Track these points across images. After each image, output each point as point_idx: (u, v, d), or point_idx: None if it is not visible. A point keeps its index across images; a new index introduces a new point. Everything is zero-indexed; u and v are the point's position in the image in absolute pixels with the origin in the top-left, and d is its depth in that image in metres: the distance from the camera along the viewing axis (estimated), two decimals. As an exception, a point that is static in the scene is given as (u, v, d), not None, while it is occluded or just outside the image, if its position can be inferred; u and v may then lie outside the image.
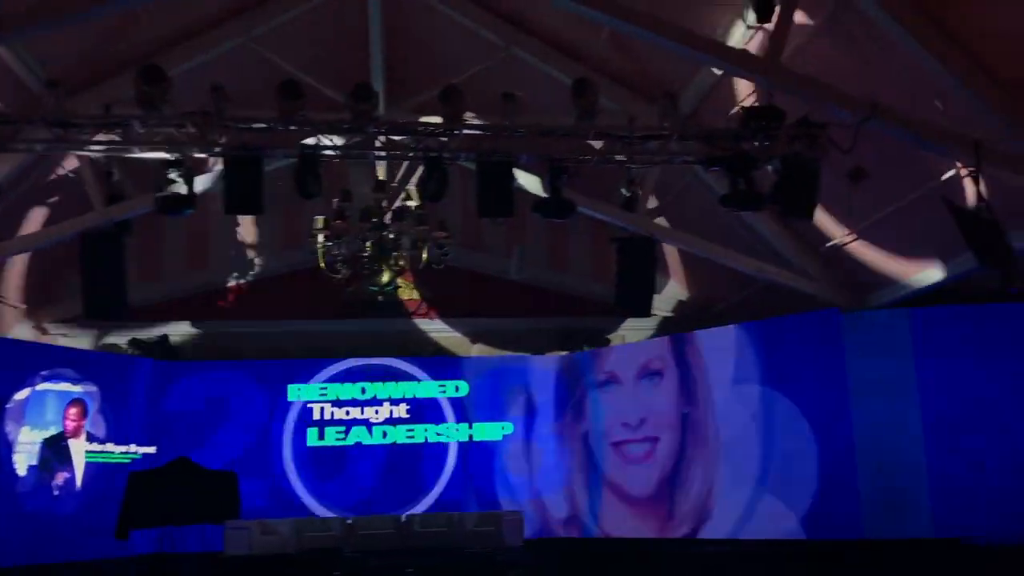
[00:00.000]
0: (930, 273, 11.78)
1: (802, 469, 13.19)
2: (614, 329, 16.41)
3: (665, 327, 15.96)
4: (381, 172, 13.41)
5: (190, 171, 8.55)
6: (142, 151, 8.62)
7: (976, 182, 8.52)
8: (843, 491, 12.70)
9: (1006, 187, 8.88)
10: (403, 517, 15.09)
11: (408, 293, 13.97)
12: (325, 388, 16.22)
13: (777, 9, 8.67)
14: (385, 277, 12.69)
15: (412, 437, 16.25)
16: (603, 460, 15.77)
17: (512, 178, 8.48)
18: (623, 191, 10.40)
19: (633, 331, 16.10)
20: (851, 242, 12.62)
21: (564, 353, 16.61)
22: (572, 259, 16.97)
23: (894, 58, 9.19)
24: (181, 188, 8.45)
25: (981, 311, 12.45)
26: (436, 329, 16.64)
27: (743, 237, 13.58)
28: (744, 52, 9.23)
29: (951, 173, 9.85)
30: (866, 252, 12.61)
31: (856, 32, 9.32)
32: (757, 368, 13.99)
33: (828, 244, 12.96)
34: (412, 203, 12.03)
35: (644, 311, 13.12)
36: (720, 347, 14.53)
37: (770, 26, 8.71)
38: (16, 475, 13.39)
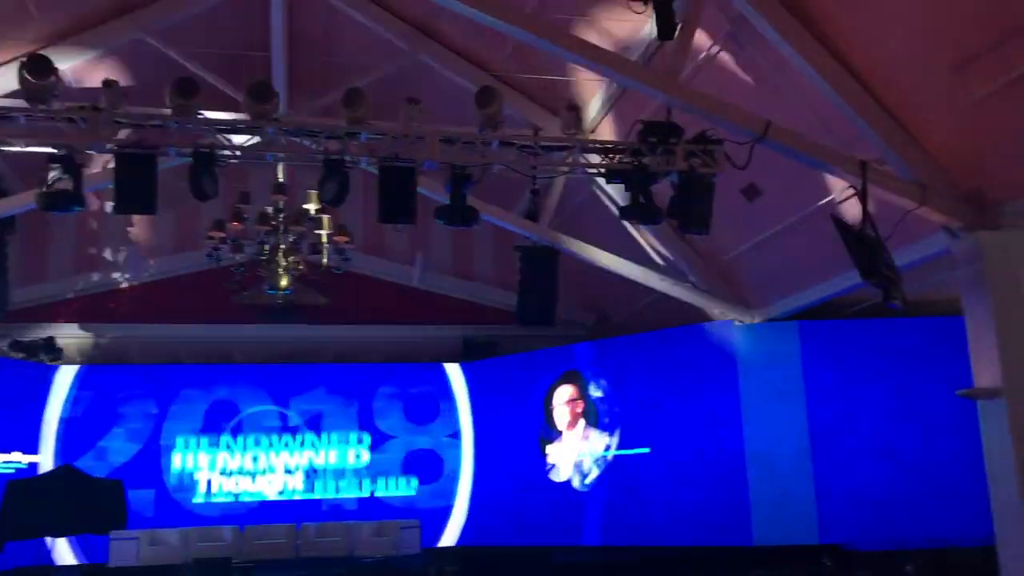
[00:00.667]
0: (820, 287, 12.20)
1: (695, 476, 13.52)
2: (517, 338, 16.45)
3: (568, 336, 16.10)
4: (281, 174, 13.16)
5: (78, 168, 8.19)
6: (27, 145, 8.23)
7: (861, 201, 8.86)
8: (735, 498, 13.06)
9: (889, 206, 9.26)
10: (297, 527, 14.82)
11: (306, 298, 13.69)
12: (219, 396, 15.82)
13: (678, 27, 8.86)
14: (283, 281, 12.42)
15: (311, 445, 15.98)
16: (511, 468, 15.84)
17: (415, 184, 8.41)
18: (528, 201, 10.48)
19: (536, 339, 16.17)
20: (745, 256, 12.99)
21: (470, 361, 16.62)
22: (476, 268, 16.99)
23: (788, 79, 9.52)
24: (68, 185, 8.08)
25: (866, 325, 13.01)
26: (337, 336, 16.40)
27: (642, 250, 13.83)
28: (644, 67, 9.41)
29: (840, 192, 10.23)
30: (759, 266, 13.00)
31: (753, 53, 9.62)
32: (652, 377, 14.28)
33: (724, 258, 13.31)
34: (312, 206, 11.83)
35: (547, 321, 13.21)
36: (618, 356, 14.79)
37: (672, 43, 8.89)
38: None
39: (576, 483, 15.01)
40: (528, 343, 16.16)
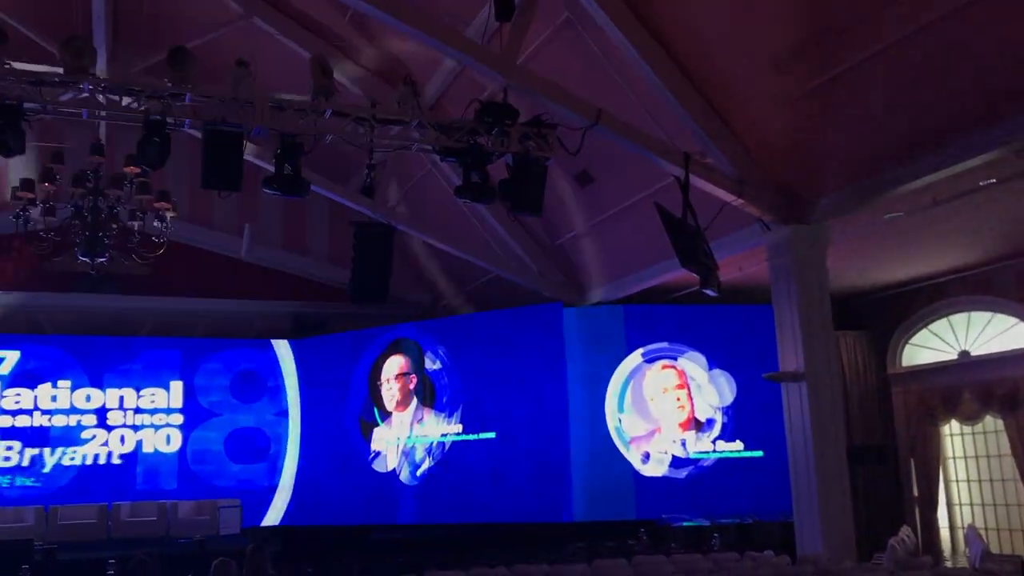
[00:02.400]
0: (646, 273, 12.65)
1: (521, 456, 13.79)
2: (349, 316, 16.20)
3: (401, 315, 16.01)
4: (102, 135, 12.42)
5: None
6: None
7: (682, 191, 9.26)
8: (558, 477, 13.41)
9: (709, 197, 9.72)
10: (108, 506, 14.10)
11: (124, 267, 12.95)
12: (19, 367, 14.81)
13: (516, 10, 8.95)
14: (97, 248, 11.69)
15: (130, 423, 15.22)
16: (336, 449, 15.62)
17: (241, 150, 8.12)
18: (365, 176, 10.33)
19: (368, 317, 15.98)
20: (575, 241, 13.32)
21: (300, 338, 16.25)
22: (309, 242, 16.61)
23: (621, 69, 9.80)
24: None
25: (687, 310, 13.63)
26: (157, 307, 15.67)
27: (478, 230, 13.94)
28: (483, 47, 9.46)
29: (667, 181, 10.64)
30: (589, 251, 13.35)
31: (588, 40, 9.84)
32: (485, 358, 14.43)
33: (555, 242, 13.60)
34: (133, 170, 11.19)
35: (380, 298, 13.08)
36: (452, 336, 14.85)
37: (509, 25, 8.96)
38: None
39: (404, 475, 14.87)
40: (360, 321, 15.96)
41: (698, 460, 13.41)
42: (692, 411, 13.58)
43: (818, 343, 10.01)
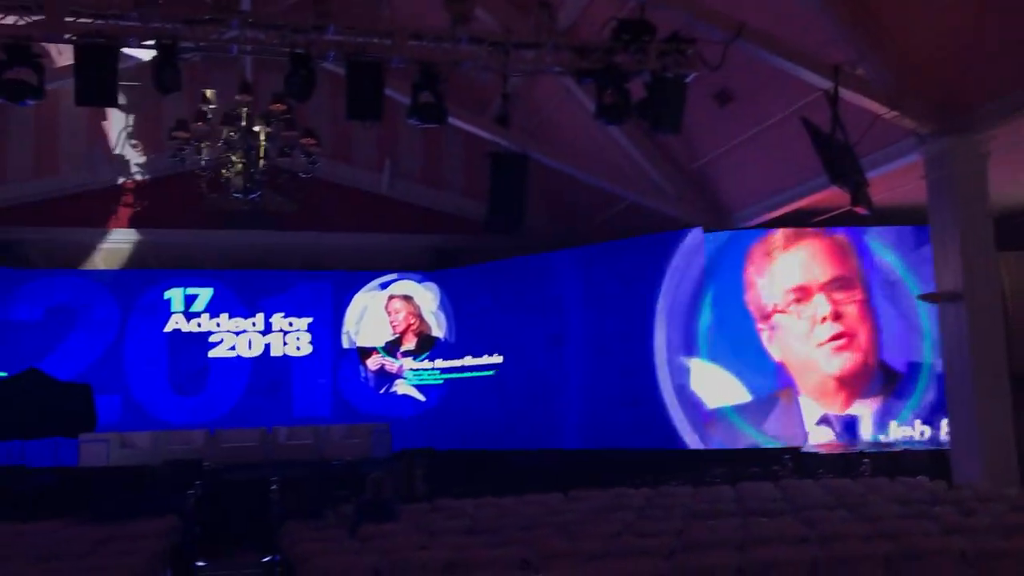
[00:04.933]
0: (790, 193, 12.25)
1: (660, 382, 13.77)
2: (486, 247, 16.40)
3: (534, 245, 16.09)
4: (248, 74, 12.86)
5: (37, 59, 7.95)
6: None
7: (832, 104, 8.86)
8: (697, 404, 13.34)
9: (859, 111, 9.27)
10: (268, 430, 14.95)
11: (273, 203, 13.49)
12: (186, 300, 15.73)
13: (654, -77, 8.68)
14: (249, 185, 12.20)
15: (280, 351, 16.01)
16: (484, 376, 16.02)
17: (382, 80, 8.26)
18: (499, 106, 10.34)
19: (504, 248, 16.14)
20: (715, 162, 12.99)
21: (439, 270, 16.60)
22: (445, 175, 16.83)
23: (764, -22, 9.38)
24: (27, 76, 7.85)
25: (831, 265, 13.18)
26: (305, 242, 16.27)
27: (612, 156, 13.77)
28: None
29: (813, 97, 10.20)
30: (729, 172, 13.01)
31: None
32: (619, 286, 14.37)
33: (694, 165, 13.31)
34: (279, 107, 11.57)
35: (515, 229, 13.18)
36: (584, 265, 14.85)
37: (646, -61, 8.71)
38: None
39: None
40: (497, 252, 16.15)
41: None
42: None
43: (978, 262, 9.51)
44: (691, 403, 13.40)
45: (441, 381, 16.36)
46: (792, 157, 11.12)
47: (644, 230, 14.12)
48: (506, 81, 9.36)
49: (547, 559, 5.39)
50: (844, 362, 13.04)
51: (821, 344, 13.06)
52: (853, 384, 13.04)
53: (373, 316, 16.49)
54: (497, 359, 15.80)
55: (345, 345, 16.30)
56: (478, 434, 15.47)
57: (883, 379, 13.02)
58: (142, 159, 15.46)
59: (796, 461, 12.12)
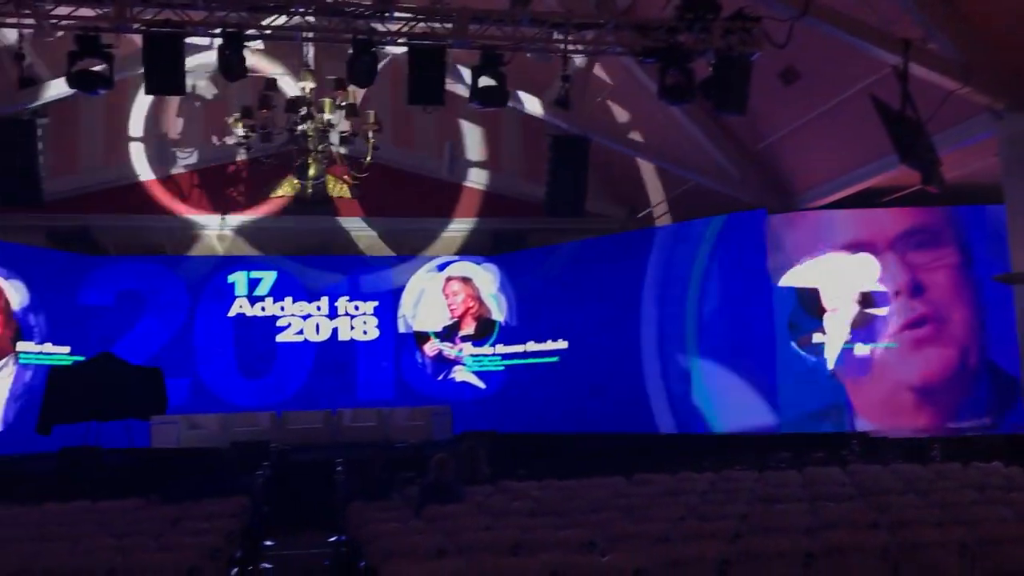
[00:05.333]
0: (859, 173, 11.99)
1: (726, 366, 13.63)
2: (546, 231, 16.38)
3: (594, 228, 16.01)
4: (311, 61, 12.97)
5: (107, 49, 8.16)
6: (56, 26, 8.18)
7: (902, 80, 8.64)
8: (763, 388, 13.17)
9: (930, 87, 9.02)
10: (333, 412, 15.17)
11: (336, 189, 13.63)
12: (249, 284, 16.01)
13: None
14: (312, 171, 12.35)
15: (347, 335, 16.22)
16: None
17: (444, 64, 8.29)
18: (559, 88, 10.29)
19: (565, 231, 16.10)
20: (780, 143, 12.76)
21: (499, 254, 16.62)
22: (505, 159, 16.82)
23: (830, -46, 9.16)
24: (97, 66, 8.06)
25: (905, 213, 12.82)
26: (365, 228, 16.43)
27: (673, 138, 13.62)
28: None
29: (880, 74, 9.96)
30: (795, 153, 12.77)
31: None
32: (682, 269, 14.24)
33: (758, 146, 13.09)
34: (341, 93, 11.67)
35: (576, 212, 13.14)
36: (645, 248, 14.73)
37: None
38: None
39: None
40: (557, 236, 16.12)
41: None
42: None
43: (1057, 242, 9.21)
44: (762, 388, 13.21)
45: (502, 368, 16.40)
46: (860, 136, 10.88)
47: (706, 212, 13.95)
48: (566, 62, 9.31)
49: (612, 541, 5.38)
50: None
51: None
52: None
53: (431, 300, 16.58)
54: (559, 344, 15.77)
55: (402, 329, 16.43)
56: (539, 418, 15.49)
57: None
58: (207, 146, 15.74)
59: (864, 446, 11.90)
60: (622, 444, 13.77)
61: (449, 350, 16.67)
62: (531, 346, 16.10)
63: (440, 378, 16.46)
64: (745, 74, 8.55)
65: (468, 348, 16.67)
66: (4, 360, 14.10)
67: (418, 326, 16.53)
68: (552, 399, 15.62)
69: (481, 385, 16.49)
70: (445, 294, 16.80)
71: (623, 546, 5.29)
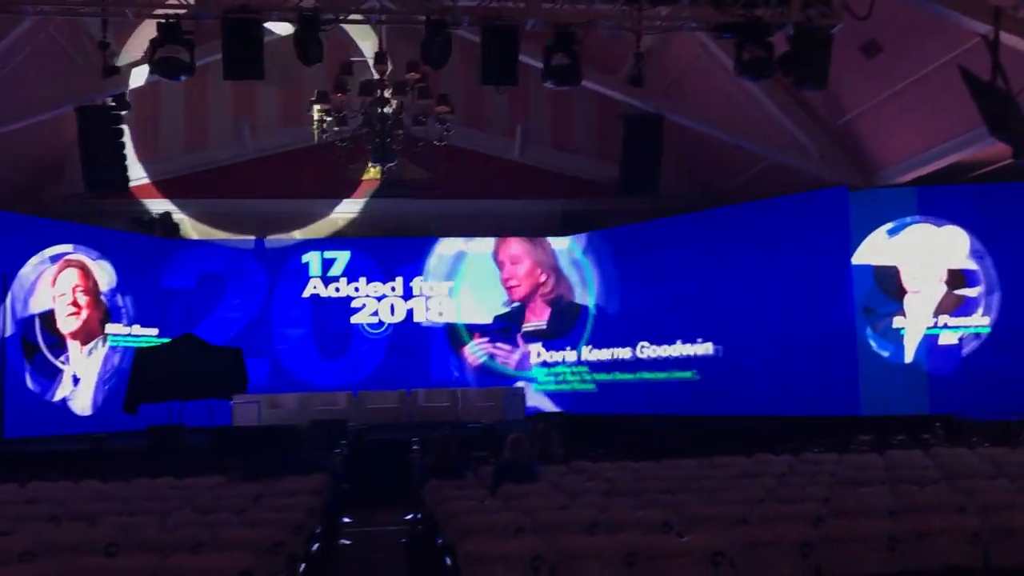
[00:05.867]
0: (944, 149, 11.61)
1: (804, 348, 13.37)
2: (616, 210, 16.25)
3: (668, 208, 15.82)
4: (384, 44, 13.05)
5: (187, 36, 8.34)
6: (138, 15, 8.38)
7: (992, 50, 8.30)
8: (843, 371, 12.89)
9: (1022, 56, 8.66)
10: (407, 392, 15.36)
11: (409, 171, 13.75)
12: (323, 265, 16.28)
13: None
14: (386, 154, 12.44)
15: (421, 316, 16.38)
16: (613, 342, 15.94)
17: (517, 44, 8.25)
18: (632, 66, 10.19)
19: (637, 211, 15.96)
20: (861, 118, 12.41)
21: (575, 235, 16.54)
22: (576, 139, 16.72)
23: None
24: (179, 53, 8.24)
25: (991, 190, 12.35)
26: (435, 209, 16.51)
27: (750, 115, 13.35)
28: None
29: (969, 45, 9.60)
30: (877, 128, 12.40)
31: None
32: (757, 249, 13.98)
33: (838, 121, 12.75)
34: (414, 76, 11.71)
35: (650, 191, 13.01)
36: (721, 228, 14.51)
37: None
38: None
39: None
40: (629, 217, 15.98)
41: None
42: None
43: None
44: (841, 371, 12.92)
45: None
46: (946, 109, 10.52)
47: (784, 191, 13.66)
48: (640, 40, 9.20)
49: (688, 522, 5.33)
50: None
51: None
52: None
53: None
54: (630, 323, 15.66)
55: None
56: (610, 399, 15.45)
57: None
58: (283, 131, 15.99)
59: (947, 429, 11.57)
60: (696, 426, 13.66)
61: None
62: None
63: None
64: (825, 48, 8.32)
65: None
66: (94, 342, 14.61)
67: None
68: (625, 381, 15.55)
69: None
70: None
71: (700, 527, 5.23)
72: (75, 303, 14.38)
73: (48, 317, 14.02)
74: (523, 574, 4.41)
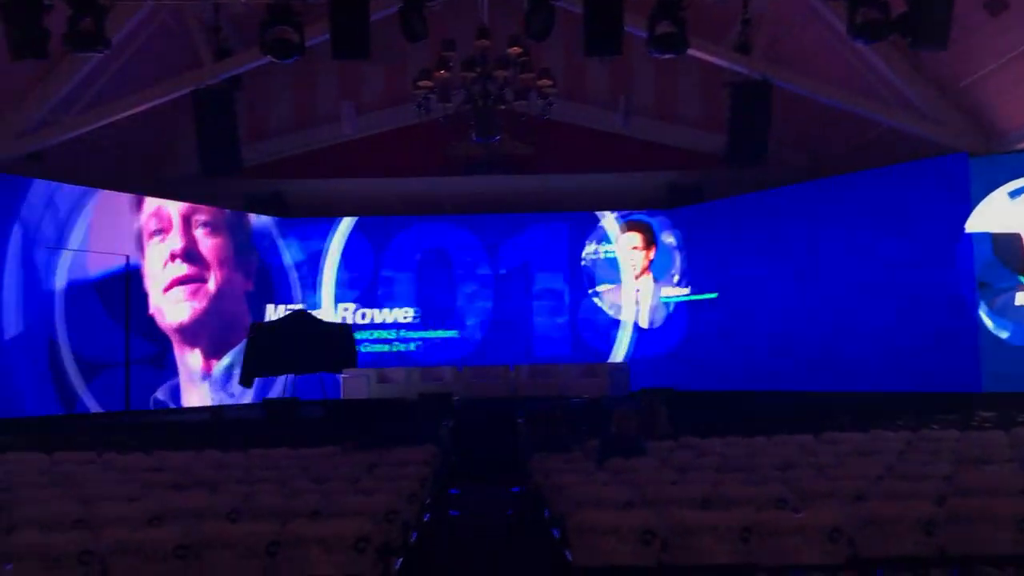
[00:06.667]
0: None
1: (921, 323, 12.87)
2: (725, 182, 15.90)
3: (776, 178, 15.38)
4: (485, 18, 13.05)
5: (297, 17, 8.51)
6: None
7: None
8: (961, 346, 12.36)
9: None
10: (511, 367, 15.48)
11: (511, 147, 13.74)
12: (429, 244, 16.49)
13: None
14: (488, 130, 12.45)
15: (522, 292, 16.46)
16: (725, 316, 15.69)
17: (621, 12, 8.12)
18: (738, 32, 9.95)
19: (744, 182, 15.58)
20: (985, 80, 11.79)
21: (676, 208, 16.31)
22: (681, 109, 16.39)
23: None
24: (290, 35, 8.42)
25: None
26: (538, 184, 16.48)
27: (864, 79, 12.84)
28: None
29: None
30: (1003, 90, 11.77)
31: None
32: (871, 219, 13.49)
33: (960, 84, 12.15)
34: (516, 51, 11.66)
35: (758, 161, 12.71)
36: (833, 198, 14.04)
37: None
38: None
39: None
40: (736, 187, 15.62)
41: None
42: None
43: None
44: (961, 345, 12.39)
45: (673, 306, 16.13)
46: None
47: (899, 159, 13.12)
48: (747, 5, 8.94)
49: (803, 499, 5.21)
50: None
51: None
52: None
53: (607, 255, 16.52)
54: (737, 298, 15.37)
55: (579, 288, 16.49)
56: (716, 375, 15.21)
57: None
58: (387, 109, 16.20)
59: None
60: (806, 401, 13.34)
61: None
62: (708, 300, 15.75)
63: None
64: (946, 5, 7.92)
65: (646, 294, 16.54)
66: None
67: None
68: (727, 354, 15.29)
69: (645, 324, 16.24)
70: (623, 250, 16.63)
71: (816, 504, 5.11)
72: (191, 279, 14.99)
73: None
74: (634, 547, 4.39)
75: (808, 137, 15.68)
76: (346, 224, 16.47)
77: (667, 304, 16.41)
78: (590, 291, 16.54)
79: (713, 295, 15.65)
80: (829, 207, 14.11)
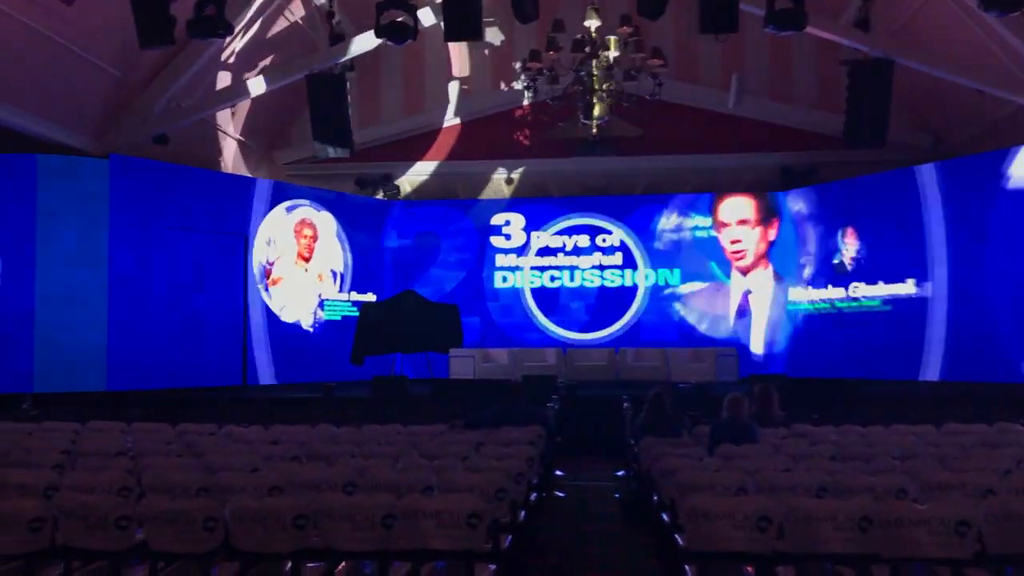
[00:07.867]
0: None
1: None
2: (840, 164, 15.39)
3: (895, 159, 14.79)
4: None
5: (412, 4, 8.61)
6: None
7: None
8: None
9: None
10: (616, 351, 15.39)
11: (620, 128, 13.59)
12: (536, 226, 16.50)
13: None
14: (597, 111, 12.35)
15: (627, 276, 16.33)
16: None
17: (737, -12, 7.94)
18: (857, 8, 9.58)
19: (861, 164, 15.05)
20: None
21: (790, 190, 15.87)
22: (794, 89, 15.93)
23: None
24: (403, 18, 8.53)
25: None
26: (647, 166, 16.28)
27: (992, 55, 12.20)
28: None
29: None
30: None
31: None
32: (992, 202, 12.83)
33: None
34: (625, 30, 11.53)
35: (877, 141, 12.26)
36: (957, 181, 13.41)
37: None
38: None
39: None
40: (852, 169, 15.10)
41: None
42: None
43: None
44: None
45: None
46: None
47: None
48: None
49: (925, 490, 5.03)
50: None
51: None
52: None
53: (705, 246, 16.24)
54: (855, 284, 14.87)
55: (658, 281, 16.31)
56: (827, 363, 14.77)
57: None
58: (496, 92, 16.27)
59: None
60: (922, 392, 12.86)
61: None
62: (829, 292, 15.24)
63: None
64: (1091, -26, 7.45)
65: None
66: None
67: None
68: (839, 342, 14.83)
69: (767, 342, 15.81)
70: (725, 236, 16.22)
71: (939, 496, 4.92)
72: (304, 258, 15.42)
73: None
74: (749, 533, 4.31)
75: (931, 116, 15.03)
76: (454, 206, 16.61)
77: (796, 312, 15.85)
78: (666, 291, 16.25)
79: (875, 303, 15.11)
80: (954, 189, 13.43)
